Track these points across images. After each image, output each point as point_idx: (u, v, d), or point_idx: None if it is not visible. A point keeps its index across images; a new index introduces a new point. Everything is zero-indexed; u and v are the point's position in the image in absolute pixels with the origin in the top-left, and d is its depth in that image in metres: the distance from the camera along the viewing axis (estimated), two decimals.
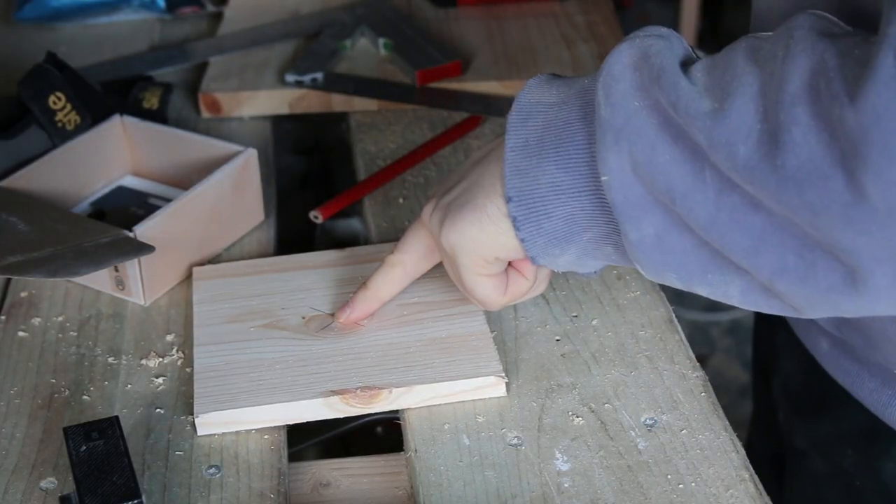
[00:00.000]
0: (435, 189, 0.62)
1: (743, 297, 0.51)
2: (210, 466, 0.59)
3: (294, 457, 0.63)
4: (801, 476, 0.74)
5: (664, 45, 0.51)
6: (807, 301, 0.48)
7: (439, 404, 0.62)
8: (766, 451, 0.62)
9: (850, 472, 0.70)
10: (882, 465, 0.67)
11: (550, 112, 0.54)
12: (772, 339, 0.78)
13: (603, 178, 0.51)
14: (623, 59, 0.51)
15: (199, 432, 0.61)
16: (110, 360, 0.67)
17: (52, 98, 0.81)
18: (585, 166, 0.52)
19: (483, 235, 0.57)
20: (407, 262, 0.64)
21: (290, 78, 0.92)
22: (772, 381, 0.78)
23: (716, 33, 2.57)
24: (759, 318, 0.83)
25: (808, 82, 0.44)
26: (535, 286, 0.62)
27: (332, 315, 0.68)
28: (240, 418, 0.61)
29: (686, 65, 0.50)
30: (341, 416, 0.62)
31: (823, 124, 0.43)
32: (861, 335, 0.61)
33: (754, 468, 0.58)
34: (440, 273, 0.71)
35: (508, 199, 0.55)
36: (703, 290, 0.52)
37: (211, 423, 0.61)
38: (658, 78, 0.49)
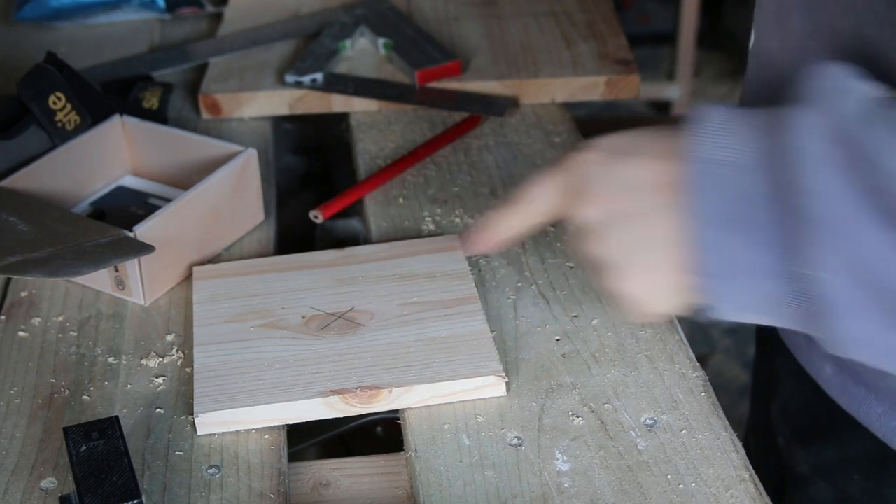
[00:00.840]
0: (579, 174, 0.54)
1: None
2: (210, 466, 0.59)
3: (294, 457, 0.63)
4: (804, 503, 0.73)
5: (849, 105, 0.44)
6: None
7: (439, 404, 0.62)
8: (763, 478, 0.61)
9: (857, 498, 0.68)
10: (890, 491, 0.66)
11: (738, 178, 0.47)
12: (772, 364, 0.76)
13: (806, 271, 0.45)
14: (813, 130, 0.44)
15: (199, 432, 0.61)
16: (110, 360, 0.67)
17: (52, 98, 0.81)
18: (782, 247, 0.46)
19: (660, 298, 0.52)
20: (533, 212, 0.57)
21: (289, 78, 0.92)
22: (771, 406, 0.77)
23: (716, 33, 2.57)
24: (758, 342, 0.81)
25: None
26: None
27: (332, 315, 0.68)
28: (239, 418, 0.61)
29: (887, 117, 0.44)
30: (341, 415, 0.62)
31: None
32: None
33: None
34: (441, 273, 0.71)
35: (700, 275, 0.49)
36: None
37: (211, 422, 0.61)
38: (861, 156, 0.42)
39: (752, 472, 0.58)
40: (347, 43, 0.98)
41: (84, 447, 0.54)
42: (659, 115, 2.42)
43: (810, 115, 0.45)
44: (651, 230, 0.51)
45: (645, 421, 0.61)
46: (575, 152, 0.55)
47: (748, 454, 0.60)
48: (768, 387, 0.77)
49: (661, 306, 0.53)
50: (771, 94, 0.62)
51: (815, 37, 0.57)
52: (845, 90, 0.46)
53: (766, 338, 0.77)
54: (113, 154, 0.81)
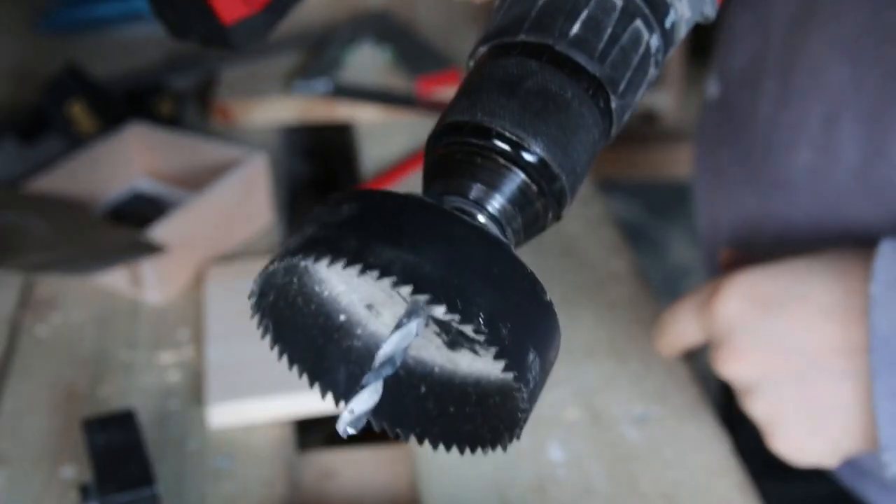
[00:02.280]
0: (728, 317, 0.49)
1: None
2: (221, 457, 0.59)
3: (300, 447, 0.63)
4: None
5: None
6: None
7: None
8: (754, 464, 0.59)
9: None
10: None
11: None
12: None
13: None
14: None
15: (211, 424, 0.61)
16: (127, 355, 0.67)
17: (71, 106, 0.81)
18: None
19: (826, 461, 0.49)
20: (677, 341, 0.54)
21: (297, 87, 0.93)
22: (738, 435, 0.75)
23: (705, 41, 2.57)
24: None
25: None
26: None
27: None
28: (251, 411, 0.61)
29: None
30: None
31: None
32: None
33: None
34: None
35: (885, 448, 0.45)
36: None
37: (222, 415, 0.61)
38: None
39: (739, 460, 0.58)
40: (353, 52, 0.98)
41: (102, 438, 0.54)
42: (647, 123, 2.42)
43: None
44: (819, 396, 0.47)
45: (635, 413, 0.61)
46: (714, 295, 0.50)
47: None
48: (732, 418, 0.75)
49: (812, 460, 0.50)
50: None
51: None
52: None
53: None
54: (129, 159, 0.82)
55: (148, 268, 0.69)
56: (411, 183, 0.84)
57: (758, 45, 0.62)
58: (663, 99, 2.36)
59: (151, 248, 0.68)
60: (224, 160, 0.77)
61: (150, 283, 0.70)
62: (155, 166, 0.83)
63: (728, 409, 0.76)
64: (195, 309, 0.70)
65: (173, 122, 0.89)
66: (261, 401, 0.61)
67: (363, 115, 0.93)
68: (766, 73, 0.60)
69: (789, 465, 0.51)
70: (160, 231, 0.69)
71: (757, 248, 0.62)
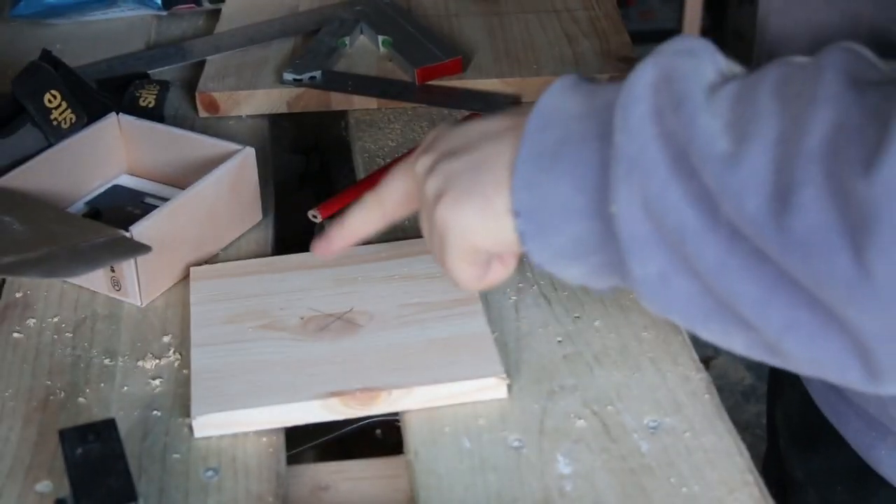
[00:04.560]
0: (433, 138, 0.59)
1: (747, 351, 0.49)
2: (207, 469, 0.59)
3: (292, 459, 0.63)
4: None
5: (692, 65, 0.48)
6: (815, 365, 0.46)
7: (439, 406, 0.62)
8: (774, 478, 0.61)
9: None
10: None
11: (570, 124, 0.51)
12: (777, 368, 0.77)
13: (612, 208, 0.49)
14: (645, 77, 0.48)
15: (197, 434, 0.61)
16: (106, 361, 0.67)
17: (47, 96, 0.81)
18: (598, 189, 0.50)
19: (483, 228, 0.55)
20: (387, 204, 0.61)
21: (288, 76, 0.92)
22: (775, 409, 0.78)
23: (720, 30, 2.57)
24: None
25: (829, 138, 0.42)
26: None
27: (331, 315, 0.68)
28: (237, 420, 0.61)
29: (715, 87, 0.47)
30: (340, 418, 0.62)
31: (835, 190, 0.41)
32: None
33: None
34: (440, 273, 0.71)
35: (515, 213, 0.52)
36: (705, 336, 0.50)
37: (208, 424, 0.61)
38: (678, 107, 0.46)
39: (757, 475, 0.58)
40: (346, 40, 0.98)
41: (80, 450, 0.54)
42: None
43: (649, 66, 0.48)
44: (477, 160, 0.55)
45: (648, 423, 0.61)
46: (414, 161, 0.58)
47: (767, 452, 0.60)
48: (776, 388, 0.78)
49: (484, 242, 0.55)
50: (773, 49, 0.63)
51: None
52: (693, 54, 0.48)
53: None
54: (109, 153, 0.82)
55: (130, 269, 0.69)
56: None
57: None
58: None
59: (134, 249, 0.68)
60: (210, 155, 0.77)
61: (131, 286, 0.70)
62: (137, 161, 0.82)
63: (771, 384, 0.79)
64: (179, 313, 0.70)
65: (156, 113, 0.89)
66: (249, 409, 0.61)
67: (358, 106, 0.93)
68: None
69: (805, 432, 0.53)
70: (143, 230, 0.69)
71: None
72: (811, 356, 0.45)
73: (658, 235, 0.48)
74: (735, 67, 0.50)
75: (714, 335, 0.50)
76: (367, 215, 0.62)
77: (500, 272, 0.59)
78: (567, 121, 0.51)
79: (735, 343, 0.49)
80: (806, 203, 0.41)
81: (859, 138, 0.41)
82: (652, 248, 0.48)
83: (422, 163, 0.57)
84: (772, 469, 0.82)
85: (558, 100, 0.53)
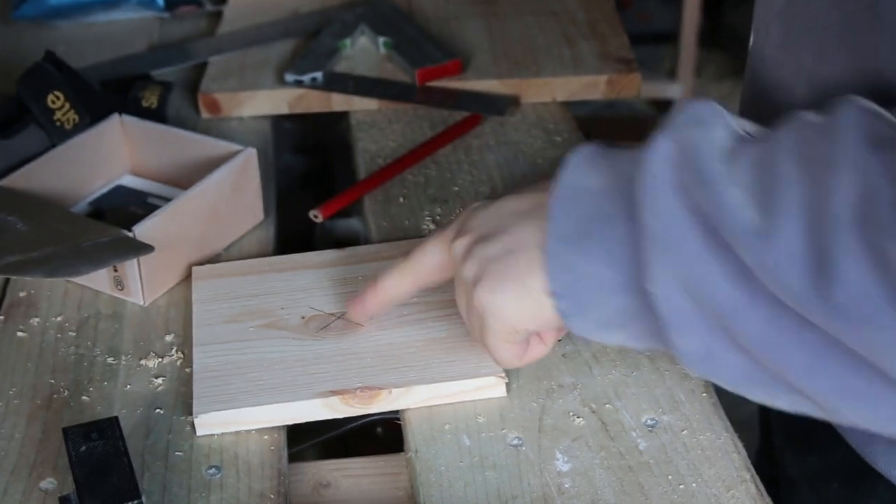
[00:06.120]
0: (467, 217, 0.59)
1: (793, 408, 0.49)
2: (210, 467, 0.59)
3: (294, 457, 0.63)
4: None
5: (706, 135, 0.48)
6: (867, 422, 0.46)
7: (439, 404, 0.62)
8: (766, 476, 0.61)
9: None
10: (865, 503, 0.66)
11: (594, 202, 0.52)
12: None
13: (648, 286, 0.49)
14: (663, 153, 0.48)
15: (199, 432, 0.61)
16: (109, 360, 0.66)
17: (50, 97, 0.81)
18: (631, 266, 0.50)
19: (522, 310, 0.55)
20: (420, 272, 0.62)
21: (289, 77, 0.92)
22: (770, 407, 0.77)
23: (717, 31, 2.57)
24: None
25: (855, 204, 0.41)
26: None
27: (332, 315, 0.68)
28: (239, 418, 0.61)
29: (734, 153, 0.47)
30: (341, 416, 0.62)
31: (874, 257, 0.40)
32: None
33: None
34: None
35: (553, 294, 0.53)
36: (749, 398, 0.50)
37: (210, 423, 0.61)
38: (701, 182, 0.46)
39: (754, 472, 0.58)
40: (347, 42, 0.98)
41: (83, 447, 0.54)
42: (659, 115, 2.42)
43: (663, 141, 0.48)
44: (510, 244, 0.55)
45: (646, 421, 0.61)
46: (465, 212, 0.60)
47: (759, 450, 0.60)
48: None
49: (523, 323, 0.56)
50: (768, 94, 0.63)
51: (805, 35, 0.58)
52: (704, 122, 0.48)
53: None
54: (112, 153, 0.81)
55: (133, 269, 0.69)
56: (410, 179, 0.84)
57: None
58: (675, 89, 2.37)
59: (137, 248, 0.68)
60: (212, 155, 0.77)
61: (134, 285, 0.70)
62: (140, 161, 0.82)
63: None
64: (182, 312, 0.70)
65: (158, 114, 0.89)
66: (250, 408, 0.61)
67: (359, 107, 0.92)
68: (771, 13, 0.63)
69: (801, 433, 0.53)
70: (145, 230, 0.69)
71: None
72: (863, 416, 0.45)
73: (698, 312, 0.47)
74: (747, 125, 0.50)
75: (759, 398, 0.50)
76: (400, 281, 0.63)
77: (540, 349, 0.60)
78: (590, 198, 0.52)
79: (780, 403, 0.49)
80: (846, 273, 0.41)
81: (889, 205, 0.41)
82: (693, 325, 0.48)
83: (458, 245, 0.58)
84: (764, 466, 0.82)
85: (579, 176, 0.53)
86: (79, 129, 0.81)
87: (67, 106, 0.81)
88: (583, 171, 0.53)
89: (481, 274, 0.56)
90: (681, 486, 0.57)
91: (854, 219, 0.41)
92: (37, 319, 0.70)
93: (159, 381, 0.65)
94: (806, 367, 0.45)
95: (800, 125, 0.46)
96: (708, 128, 0.48)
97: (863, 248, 0.41)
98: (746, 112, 0.67)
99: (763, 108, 0.65)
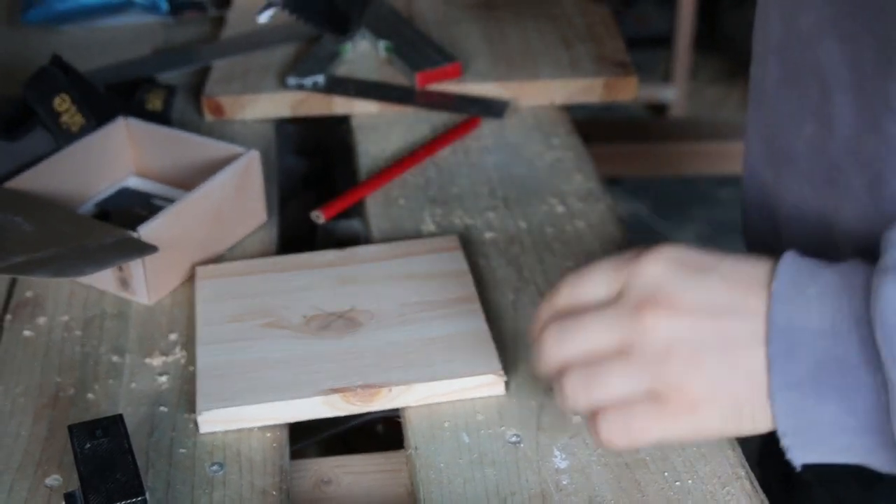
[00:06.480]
0: (655, 289, 0.50)
1: None
2: (213, 464, 0.59)
3: (296, 454, 0.63)
4: None
5: None
6: None
7: (439, 402, 0.63)
8: (777, 471, 0.60)
9: None
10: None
11: (821, 344, 0.47)
12: None
13: None
14: (893, 300, 0.44)
15: (202, 430, 0.61)
16: (114, 358, 0.67)
17: (56, 100, 0.81)
18: (874, 412, 0.46)
19: (731, 431, 0.50)
20: (585, 295, 0.52)
21: (291, 81, 0.93)
22: None
23: (713, 35, 2.57)
24: None
25: None
26: None
27: (334, 314, 0.68)
28: (241, 416, 0.61)
29: None
30: (342, 414, 0.62)
31: None
32: None
33: (764, 491, 0.57)
34: (440, 272, 0.71)
35: (782, 434, 0.48)
36: None
37: (213, 420, 0.61)
38: None
39: (748, 469, 0.58)
40: (348, 45, 0.98)
41: (88, 445, 0.54)
42: (655, 118, 2.43)
43: (890, 284, 0.45)
44: (738, 365, 0.49)
45: None
46: (638, 256, 0.51)
47: (761, 452, 0.59)
48: None
49: (727, 435, 0.51)
50: (775, 128, 0.63)
51: (808, 73, 0.58)
52: None
53: None
54: (117, 155, 0.82)
55: (137, 269, 0.69)
56: (410, 181, 0.84)
57: (762, 20, 0.64)
58: (671, 93, 2.37)
59: (142, 249, 0.68)
60: (216, 157, 0.77)
61: (139, 285, 0.70)
62: (144, 163, 0.83)
63: None
64: (186, 311, 0.71)
65: (163, 117, 0.89)
66: (253, 405, 0.61)
67: (360, 110, 0.93)
68: (768, 49, 0.62)
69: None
70: (150, 231, 0.69)
71: (778, 221, 0.64)
72: None
73: None
74: None
75: None
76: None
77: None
78: (815, 340, 0.47)
79: None
80: None
81: None
82: None
83: (662, 322, 0.49)
84: (770, 464, 0.81)
85: (792, 311, 0.48)
86: (84, 131, 0.81)
87: (73, 109, 0.81)
88: (798, 303, 0.48)
89: (682, 382, 0.49)
90: (677, 483, 0.57)
91: None
92: (43, 319, 0.70)
93: (163, 379, 0.65)
94: None
95: None
96: None
97: None
98: (756, 146, 0.67)
99: (773, 143, 0.64)
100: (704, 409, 0.49)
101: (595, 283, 0.52)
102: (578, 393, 0.50)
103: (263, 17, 0.90)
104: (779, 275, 0.48)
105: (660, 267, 0.50)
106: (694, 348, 0.49)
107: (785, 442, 0.48)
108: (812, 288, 0.48)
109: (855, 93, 0.55)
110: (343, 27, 0.94)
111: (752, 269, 0.50)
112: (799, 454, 0.49)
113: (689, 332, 0.49)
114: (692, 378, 0.49)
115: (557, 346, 0.52)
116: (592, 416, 0.51)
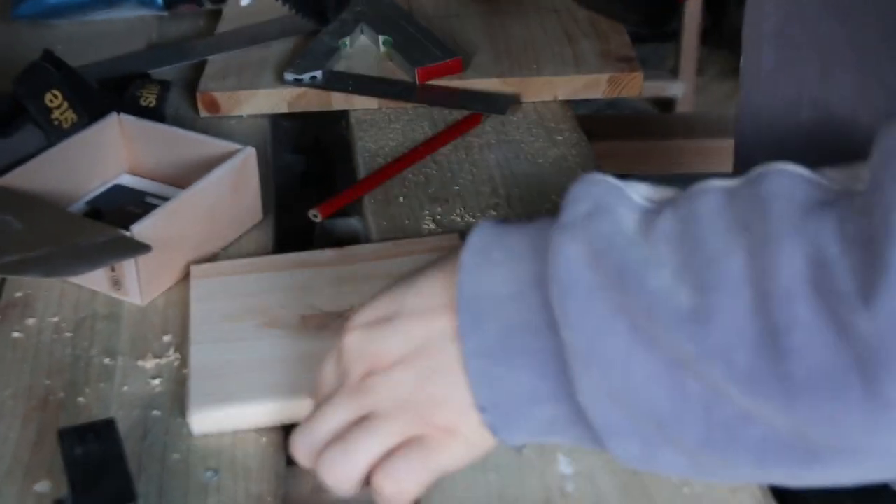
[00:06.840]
0: (351, 350, 0.52)
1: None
2: (207, 469, 0.58)
3: (292, 460, 0.62)
4: None
5: (608, 225, 0.44)
6: (839, 482, 0.44)
7: None
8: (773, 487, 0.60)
9: None
10: None
11: (506, 310, 0.47)
12: None
13: (578, 398, 0.46)
14: (570, 258, 0.44)
15: (195, 431, 0.60)
16: (106, 361, 0.66)
17: (48, 96, 0.80)
18: (561, 374, 0.46)
19: (458, 423, 0.50)
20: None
21: (288, 76, 0.92)
22: None
23: (720, 30, 2.57)
24: None
25: (805, 275, 0.39)
26: None
27: (331, 314, 0.67)
28: (235, 416, 0.60)
29: (647, 228, 0.43)
30: None
31: (831, 326, 0.38)
32: None
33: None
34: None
35: (482, 409, 0.48)
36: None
37: (205, 420, 0.60)
38: (618, 279, 0.42)
39: None
40: (347, 40, 0.97)
41: (79, 450, 0.53)
42: (661, 114, 2.42)
43: (569, 244, 0.44)
44: (431, 365, 0.50)
45: None
46: (340, 341, 0.53)
47: None
48: None
49: (468, 445, 0.50)
50: (768, 118, 0.63)
51: (806, 55, 0.58)
52: (605, 208, 0.45)
53: None
54: (110, 152, 0.81)
55: (130, 269, 0.69)
56: (410, 178, 0.83)
57: (755, 8, 0.64)
58: (678, 87, 2.36)
59: (135, 248, 0.67)
60: (211, 155, 0.76)
61: (132, 285, 0.69)
62: (138, 160, 0.82)
63: None
64: (180, 312, 0.70)
65: (157, 113, 0.88)
66: (247, 406, 0.60)
67: (358, 106, 0.92)
68: (761, 37, 0.62)
69: None
70: (143, 230, 0.68)
71: None
72: (829, 481, 0.44)
73: (631, 422, 0.45)
74: (644, 190, 0.46)
75: (718, 481, 0.49)
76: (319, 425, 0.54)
77: None
78: (500, 305, 0.47)
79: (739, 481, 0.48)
80: (801, 345, 0.39)
81: (844, 270, 0.38)
82: (628, 434, 0.45)
83: (344, 399, 0.52)
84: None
85: (479, 278, 0.48)
86: (76, 127, 0.80)
87: (65, 105, 0.81)
88: (482, 270, 0.48)
89: (408, 403, 0.50)
90: (685, 490, 0.56)
91: (804, 291, 0.39)
92: (33, 320, 0.69)
93: (156, 382, 0.64)
94: (753, 461, 0.43)
95: (716, 193, 0.43)
96: (611, 213, 0.44)
97: (818, 317, 0.39)
98: (749, 135, 0.66)
99: (763, 133, 0.64)
100: (461, 426, 0.49)
101: (328, 383, 0.54)
102: (341, 465, 0.51)
103: (246, 0, 0.91)
104: (468, 246, 0.48)
105: (355, 337, 0.52)
106: (419, 385, 0.50)
107: (486, 419, 0.48)
108: (497, 252, 0.48)
109: (854, 73, 0.55)
110: (322, 14, 0.94)
111: (440, 273, 0.51)
112: (505, 432, 0.48)
113: (406, 375, 0.50)
114: (434, 409, 0.50)
115: (307, 446, 0.53)
116: (372, 481, 0.51)
